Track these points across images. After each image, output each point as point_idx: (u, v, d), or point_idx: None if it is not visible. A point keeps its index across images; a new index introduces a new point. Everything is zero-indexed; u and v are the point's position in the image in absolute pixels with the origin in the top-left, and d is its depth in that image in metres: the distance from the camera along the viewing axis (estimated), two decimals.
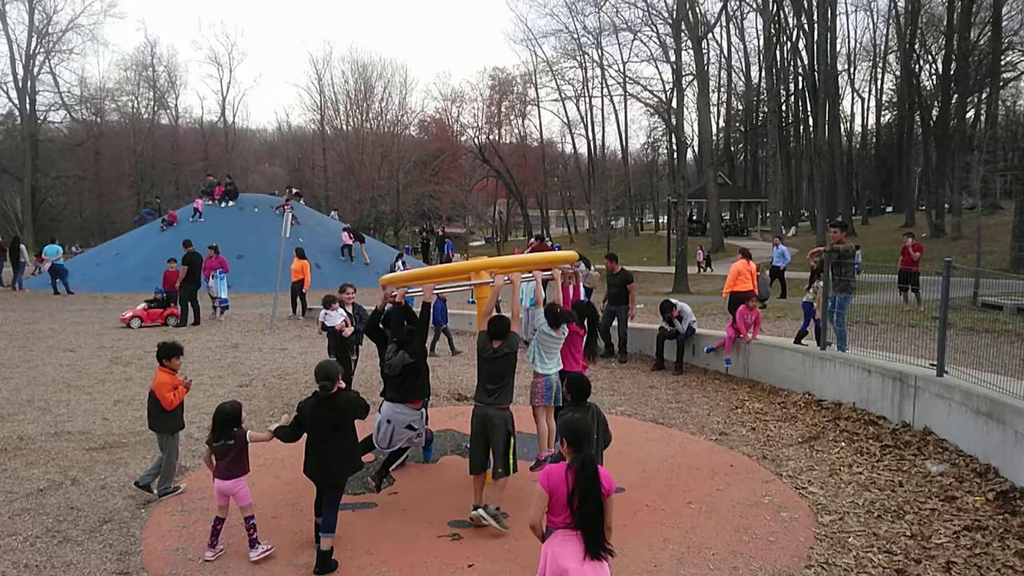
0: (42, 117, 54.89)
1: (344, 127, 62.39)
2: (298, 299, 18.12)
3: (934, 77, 45.38)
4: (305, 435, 5.27)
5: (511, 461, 5.75)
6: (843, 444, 7.69)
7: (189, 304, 16.93)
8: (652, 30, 44.44)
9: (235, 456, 5.30)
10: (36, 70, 52.39)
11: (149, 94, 60.94)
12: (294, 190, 32.06)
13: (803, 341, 10.24)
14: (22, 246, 25.45)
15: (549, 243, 27.39)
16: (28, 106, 51.82)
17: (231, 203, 29.69)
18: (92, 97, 57.67)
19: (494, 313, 6.06)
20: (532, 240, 22.52)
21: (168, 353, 6.37)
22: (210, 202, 29.44)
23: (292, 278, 18.12)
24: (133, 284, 22.85)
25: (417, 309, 6.44)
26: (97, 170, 55.39)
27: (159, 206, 34.48)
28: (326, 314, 9.57)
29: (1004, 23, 34.86)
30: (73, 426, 8.59)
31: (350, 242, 29.02)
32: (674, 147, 53.54)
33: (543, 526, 3.75)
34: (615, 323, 12.60)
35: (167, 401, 6.23)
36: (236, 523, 5.41)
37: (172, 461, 6.49)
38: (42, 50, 52.35)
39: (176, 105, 64.27)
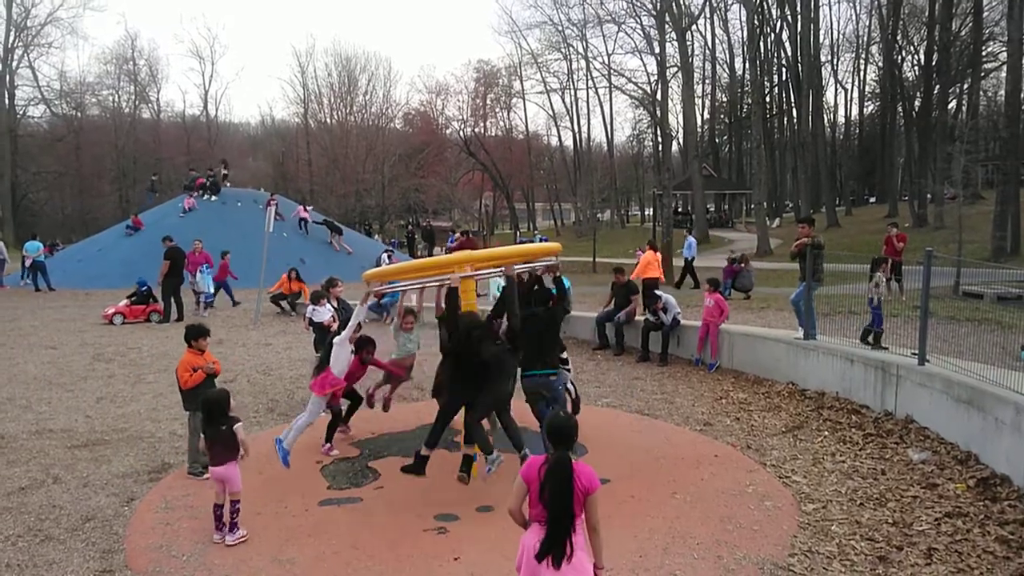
0: (21, 112, 54.13)
1: (328, 120, 61.96)
2: (281, 302, 17.93)
3: (916, 68, 45.67)
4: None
5: None
6: (826, 433, 7.75)
7: (172, 299, 16.78)
8: (636, 22, 44.43)
9: (225, 442, 5.39)
10: (15, 64, 51.64)
11: (130, 88, 60.05)
12: (223, 172, 31.79)
13: (869, 340, 9.01)
14: (0, 243, 25.12)
15: (536, 238, 27.25)
16: (7, 101, 51.03)
17: (214, 197, 29.46)
18: (72, 91, 56.88)
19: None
20: (459, 235, 22.20)
21: (193, 334, 6.74)
22: (196, 194, 29.28)
23: (284, 290, 17.88)
24: (115, 280, 22.59)
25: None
26: (78, 165, 54.62)
27: (153, 184, 33.92)
28: (314, 310, 9.52)
29: (985, 14, 35.08)
30: (55, 424, 8.52)
31: (305, 215, 29.71)
32: (659, 139, 53.57)
33: (524, 514, 3.70)
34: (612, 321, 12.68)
35: (182, 380, 6.58)
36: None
37: (193, 442, 6.67)
38: (20, 44, 51.60)
39: (158, 99, 63.36)
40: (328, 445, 7.46)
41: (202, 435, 5.51)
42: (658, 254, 15.63)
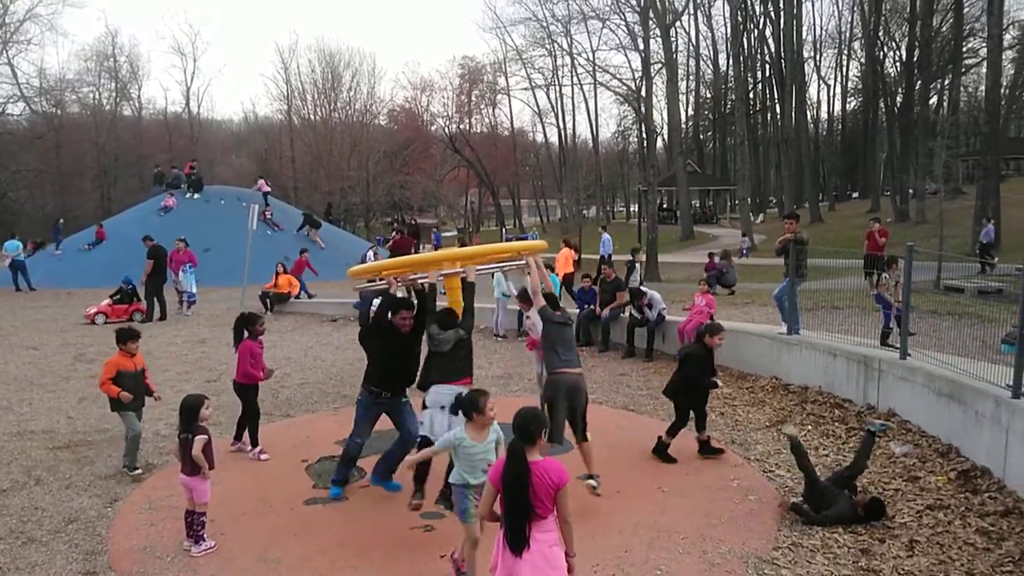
0: (0, 110, 53.48)
1: (312, 117, 61.56)
2: (267, 299, 17.85)
3: (898, 64, 46.09)
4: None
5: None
6: (810, 427, 7.81)
7: (155, 299, 16.63)
8: (620, 18, 44.45)
9: (189, 452, 5.24)
10: None
11: (111, 85, 59.30)
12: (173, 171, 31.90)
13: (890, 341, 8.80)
14: None
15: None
16: None
17: (197, 195, 29.24)
18: (52, 89, 56.13)
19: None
20: (395, 234, 22.43)
21: (122, 337, 6.77)
22: (180, 188, 29.19)
23: (276, 288, 17.88)
24: (97, 280, 22.40)
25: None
26: (58, 163, 53.95)
27: (156, 176, 33.33)
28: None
29: (965, 10, 35.49)
30: (37, 425, 8.43)
31: (267, 189, 30.73)
32: (644, 135, 53.72)
33: (495, 513, 3.76)
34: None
35: (100, 380, 6.64)
36: (212, 516, 5.41)
37: (132, 440, 6.79)
38: None
39: (139, 96, 62.77)
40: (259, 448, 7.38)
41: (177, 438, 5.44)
42: (573, 252, 17.29)
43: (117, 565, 5.06)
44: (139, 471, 6.78)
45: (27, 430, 8.22)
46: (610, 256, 22.28)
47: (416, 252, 23.81)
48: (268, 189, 30.88)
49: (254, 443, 7.33)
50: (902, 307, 7.92)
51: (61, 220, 31.99)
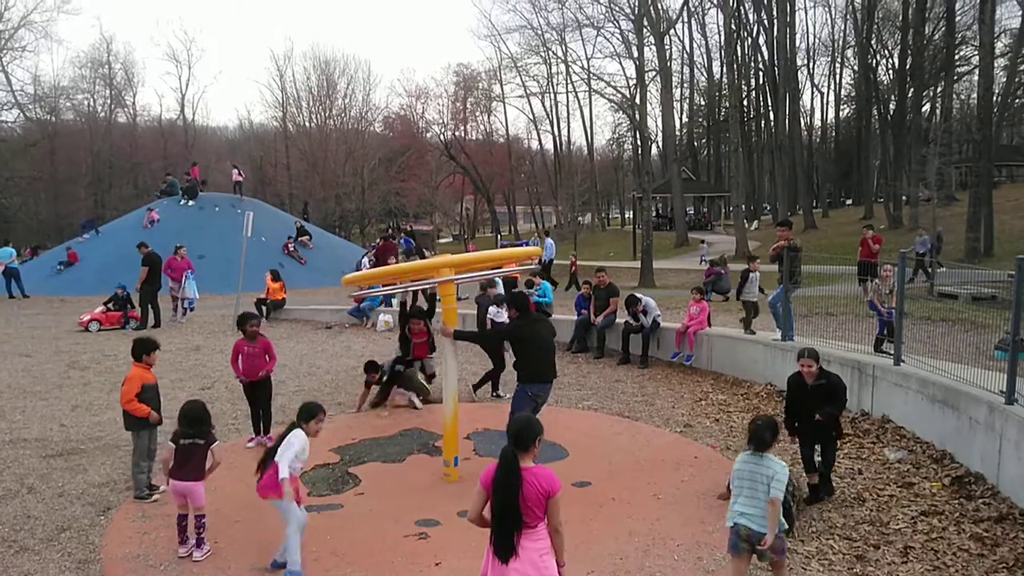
0: None
1: (307, 124, 61.62)
2: (263, 306, 17.80)
3: (891, 72, 46.32)
4: None
5: None
6: None
7: (149, 306, 16.57)
8: (615, 26, 44.60)
9: (199, 458, 5.25)
10: None
11: (105, 92, 59.29)
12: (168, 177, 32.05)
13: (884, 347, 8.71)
14: None
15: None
16: None
17: (191, 202, 29.20)
18: (46, 95, 56.03)
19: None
20: (379, 240, 22.65)
21: (144, 349, 6.39)
22: (178, 197, 29.15)
23: (264, 294, 17.91)
24: (90, 287, 22.32)
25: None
26: (53, 170, 53.80)
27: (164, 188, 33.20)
28: (498, 311, 9.87)
29: (957, 18, 35.66)
30: (29, 433, 8.38)
31: (240, 178, 31.05)
32: (638, 143, 53.97)
33: (485, 518, 3.73)
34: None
35: (125, 399, 6.20)
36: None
37: (138, 463, 6.36)
38: None
39: (134, 103, 62.74)
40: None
41: (170, 443, 5.36)
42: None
43: (110, 573, 5.03)
44: (156, 498, 6.30)
45: (20, 438, 8.17)
46: (551, 261, 22.70)
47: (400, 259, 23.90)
48: (240, 178, 30.72)
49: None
50: (895, 313, 7.94)
51: (96, 220, 32.70)
